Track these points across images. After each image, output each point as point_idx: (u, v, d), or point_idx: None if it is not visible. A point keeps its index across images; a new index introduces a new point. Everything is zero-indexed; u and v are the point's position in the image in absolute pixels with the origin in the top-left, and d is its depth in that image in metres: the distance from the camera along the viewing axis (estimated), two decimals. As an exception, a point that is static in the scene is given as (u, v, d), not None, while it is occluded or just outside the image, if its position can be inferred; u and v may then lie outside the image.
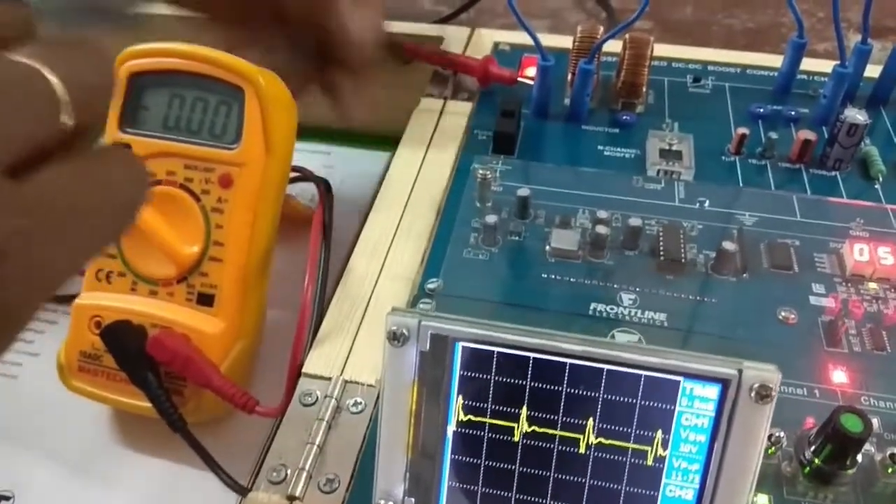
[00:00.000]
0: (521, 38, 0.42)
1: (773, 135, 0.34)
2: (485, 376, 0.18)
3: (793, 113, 0.36)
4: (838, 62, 0.34)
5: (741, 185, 0.33)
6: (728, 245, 0.28)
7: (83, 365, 0.29)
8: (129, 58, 0.30)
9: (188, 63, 0.30)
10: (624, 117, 0.36)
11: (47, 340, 0.37)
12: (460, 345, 0.18)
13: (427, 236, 0.30)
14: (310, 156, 0.47)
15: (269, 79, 0.30)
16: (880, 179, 0.33)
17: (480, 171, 0.31)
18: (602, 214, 0.30)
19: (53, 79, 0.16)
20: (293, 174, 0.35)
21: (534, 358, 0.18)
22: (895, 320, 0.27)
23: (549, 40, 0.41)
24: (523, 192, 0.30)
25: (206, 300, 0.29)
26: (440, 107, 0.38)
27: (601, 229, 0.29)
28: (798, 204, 0.31)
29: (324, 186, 0.34)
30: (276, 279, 0.32)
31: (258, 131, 0.30)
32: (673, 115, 0.37)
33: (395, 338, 0.18)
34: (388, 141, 0.39)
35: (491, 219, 0.29)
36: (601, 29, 0.37)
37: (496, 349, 0.18)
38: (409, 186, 0.33)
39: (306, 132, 0.48)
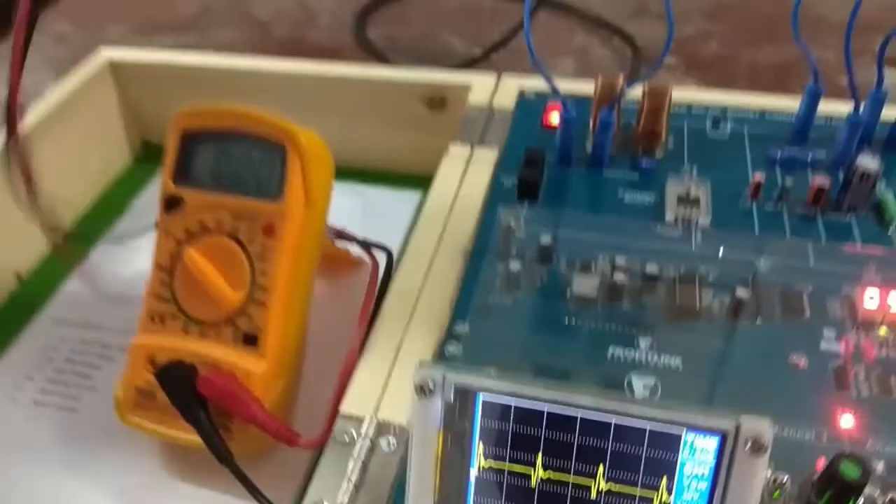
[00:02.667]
0: (543, 83, 0.44)
1: (789, 181, 0.35)
2: (504, 426, 0.20)
3: (810, 157, 0.37)
4: (853, 109, 0.36)
5: (757, 230, 0.34)
6: (742, 292, 0.29)
7: (139, 401, 0.32)
8: (182, 118, 0.33)
9: (235, 122, 0.33)
10: (644, 163, 0.38)
11: (103, 376, 0.39)
12: (481, 397, 0.20)
13: (455, 281, 0.32)
14: (345, 196, 0.50)
15: (309, 136, 0.33)
16: (894, 224, 0.34)
17: (504, 220, 0.33)
18: (620, 261, 0.31)
19: None
20: (354, 237, 0.38)
21: (548, 411, 0.19)
22: (903, 366, 0.28)
23: (575, 86, 0.43)
24: (545, 240, 0.32)
25: (250, 340, 0.32)
26: (468, 154, 0.40)
27: (619, 277, 0.30)
28: (812, 250, 0.33)
29: (386, 255, 0.36)
30: (313, 314, 0.34)
31: (299, 184, 0.32)
32: (692, 160, 0.38)
33: (422, 390, 0.20)
34: (420, 181, 0.40)
35: (514, 266, 0.31)
36: (621, 78, 0.38)
37: (513, 401, 0.20)
38: (438, 232, 0.35)
39: (342, 173, 0.51)
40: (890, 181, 0.36)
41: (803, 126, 0.39)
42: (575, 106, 0.40)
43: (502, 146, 0.40)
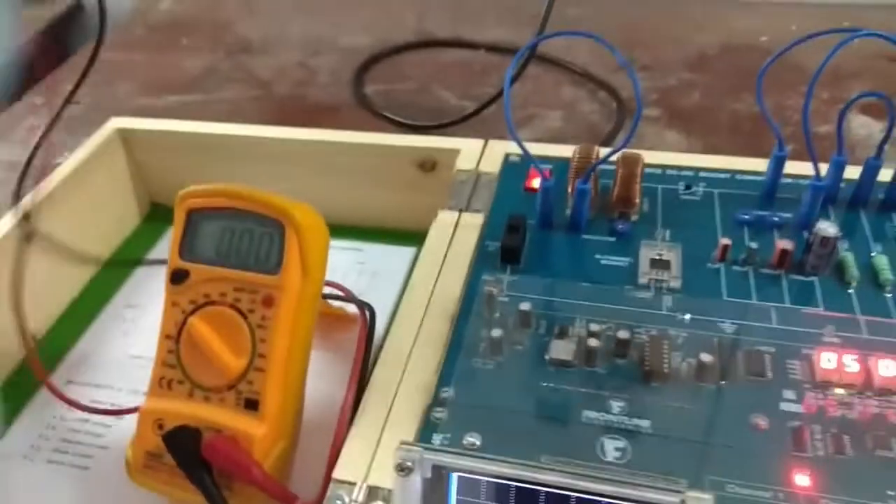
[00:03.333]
0: (531, 148, 0.47)
1: (754, 245, 0.37)
2: (476, 499, 0.22)
3: (776, 219, 0.40)
4: (814, 175, 0.38)
5: (725, 291, 0.36)
6: (705, 357, 0.32)
7: (148, 462, 0.34)
8: (187, 197, 0.36)
9: (235, 202, 0.36)
10: (619, 227, 0.40)
11: (114, 434, 0.42)
12: (454, 475, 0.22)
13: (442, 346, 0.35)
14: (345, 252, 0.53)
15: (304, 212, 0.36)
16: (854, 285, 0.36)
17: (487, 287, 0.35)
18: (594, 327, 0.34)
19: None
20: (339, 296, 0.41)
21: (515, 486, 0.22)
22: (856, 425, 0.30)
23: (555, 150, 0.46)
24: (524, 306, 0.35)
25: (251, 405, 0.34)
26: (455, 219, 0.42)
27: (592, 342, 0.33)
28: (775, 313, 0.35)
29: (367, 310, 0.39)
30: (311, 372, 0.37)
31: (296, 258, 0.35)
32: (665, 223, 0.41)
33: (402, 469, 0.22)
34: (415, 237, 0.43)
35: (496, 332, 0.34)
36: (597, 150, 0.41)
37: (483, 478, 0.22)
38: (426, 298, 0.37)
39: (341, 229, 0.54)
40: (853, 240, 0.39)
41: (771, 188, 0.41)
42: (556, 168, 0.42)
43: (488, 211, 0.43)
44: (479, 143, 0.48)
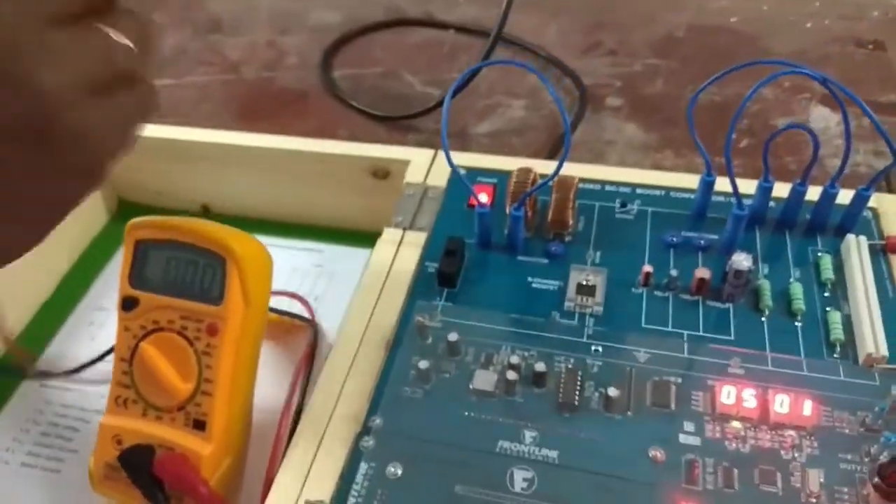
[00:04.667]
0: (480, 160, 0.48)
1: (674, 272, 0.39)
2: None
3: (702, 242, 0.42)
4: (736, 203, 0.40)
5: (644, 317, 0.38)
6: (613, 392, 0.34)
7: (108, 474, 0.38)
8: (135, 228, 0.38)
9: (180, 235, 0.38)
10: (553, 249, 0.42)
11: (82, 437, 0.45)
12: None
13: (376, 374, 0.37)
14: (305, 254, 0.55)
15: (244, 243, 0.38)
16: (767, 314, 0.38)
17: (418, 317, 0.38)
18: (514, 359, 0.36)
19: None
20: (287, 312, 0.43)
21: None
22: (747, 459, 0.32)
23: (502, 163, 0.48)
24: (452, 336, 0.37)
25: (199, 425, 0.37)
26: (399, 237, 0.44)
27: (510, 375, 0.35)
28: (687, 342, 0.37)
29: (313, 331, 0.41)
30: (259, 381, 0.39)
31: (238, 290, 0.37)
32: (598, 244, 0.42)
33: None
34: (371, 238, 0.45)
35: (423, 364, 0.36)
36: (534, 174, 0.43)
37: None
38: (364, 325, 0.39)
39: (301, 231, 0.56)
40: (774, 265, 0.40)
41: (701, 209, 0.43)
42: (502, 183, 0.44)
43: (432, 228, 0.44)
44: (428, 154, 0.49)
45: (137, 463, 0.36)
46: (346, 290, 0.51)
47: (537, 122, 0.66)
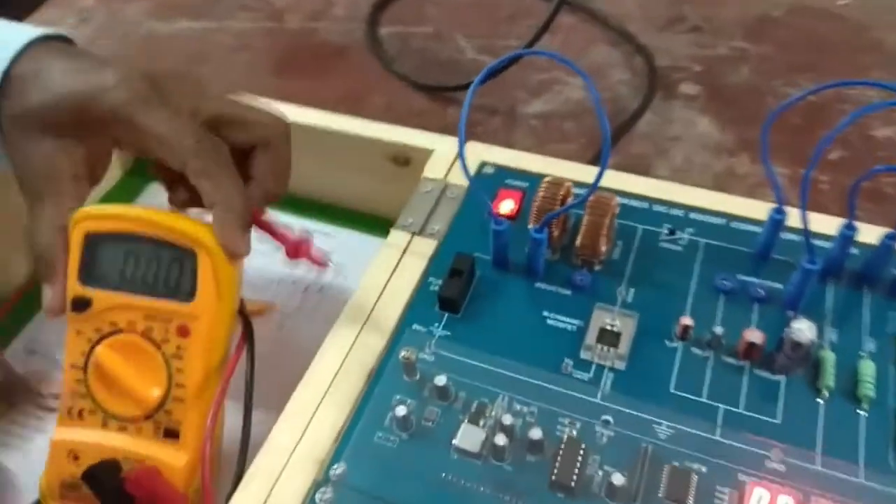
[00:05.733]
0: (511, 157, 0.42)
1: (720, 329, 0.32)
2: None
3: (761, 292, 0.34)
4: (808, 256, 0.32)
5: (674, 379, 0.32)
6: (617, 479, 0.28)
7: (64, 493, 0.34)
8: (83, 219, 0.34)
9: (142, 227, 0.33)
10: (579, 279, 0.36)
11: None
12: None
13: (350, 407, 0.32)
14: (315, 237, 0.50)
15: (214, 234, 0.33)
16: (825, 395, 0.31)
17: (404, 352, 0.32)
18: (507, 419, 0.30)
19: None
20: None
21: None
22: (771, 587, 0.26)
23: (536, 164, 0.41)
24: (440, 380, 0.31)
25: (171, 434, 0.34)
26: (406, 243, 0.38)
27: (499, 440, 0.29)
28: (722, 420, 0.31)
29: (246, 332, 0.36)
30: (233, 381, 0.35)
31: (211, 286, 0.33)
32: (633, 279, 0.36)
33: None
34: (387, 224, 0.40)
35: (401, 409, 0.31)
36: (565, 189, 0.36)
37: None
38: (348, 346, 0.34)
39: (315, 210, 0.51)
40: (844, 331, 0.33)
41: (765, 250, 0.36)
42: (533, 188, 0.38)
43: (443, 237, 0.39)
44: (454, 144, 0.43)
45: (105, 480, 0.33)
46: (352, 283, 0.46)
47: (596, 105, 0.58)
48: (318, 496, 0.30)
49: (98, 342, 0.34)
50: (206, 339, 0.33)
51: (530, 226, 0.36)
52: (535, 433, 0.30)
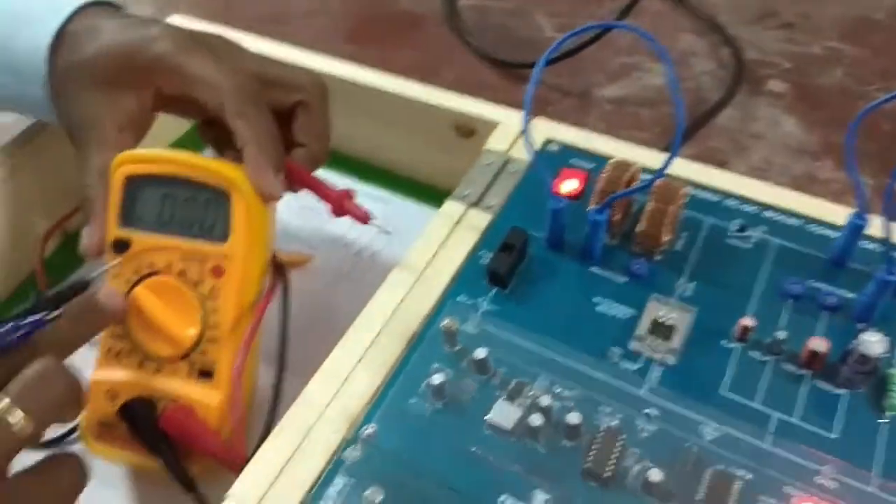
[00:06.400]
0: (579, 137, 0.41)
1: (783, 333, 0.31)
2: None
3: (832, 300, 0.32)
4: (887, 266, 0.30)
5: (728, 381, 0.30)
6: (655, 474, 0.27)
7: (102, 432, 0.35)
8: (124, 162, 0.35)
9: (178, 169, 0.34)
10: (636, 267, 0.34)
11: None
12: None
13: (387, 370, 0.32)
14: (367, 201, 0.49)
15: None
16: (888, 416, 0.29)
17: (447, 321, 0.32)
18: (545, 400, 0.29)
19: (17, 415, 0.26)
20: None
21: None
22: None
23: (606, 146, 0.40)
24: (480, 353, 0.31)
25: (206, 374, 0.34)
26: (460, 214, 0.38)
27: (535, 420, 0.28)
28: (773, 428, 0.29)
29: (280, 277, 0.36)
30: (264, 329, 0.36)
31: (244, 227, 0.34)
32: (694, 273, 0.34)
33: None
34: (444, 197, 0.39)
35: (439, 377, 0.30)
36: (632, 172, 0.34)
37: None
38: (392, 309, 0.34)
39: (371, 173, 0.50)
40: (919, 349, 0.31)
41: (841, 256, 0.33)
42: (598, 165, 0.36)
43: (500, 209, 0.38)
44: (521, 118, 0.42)
45: (140, 416, 0.33)
46: (398, 253, 0.45)
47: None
48: (346, 453, 0.29)
49: (136, 283, 0.34)
50: (239, 280, 0.34)
51: (591, 207, 0.35)
52: (574, 418, 0.28)
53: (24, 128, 0.44)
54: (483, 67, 0.59)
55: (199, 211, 0.34)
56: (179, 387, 0.34)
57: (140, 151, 0.34)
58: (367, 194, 0.50)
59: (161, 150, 0.34)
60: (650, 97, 0.56)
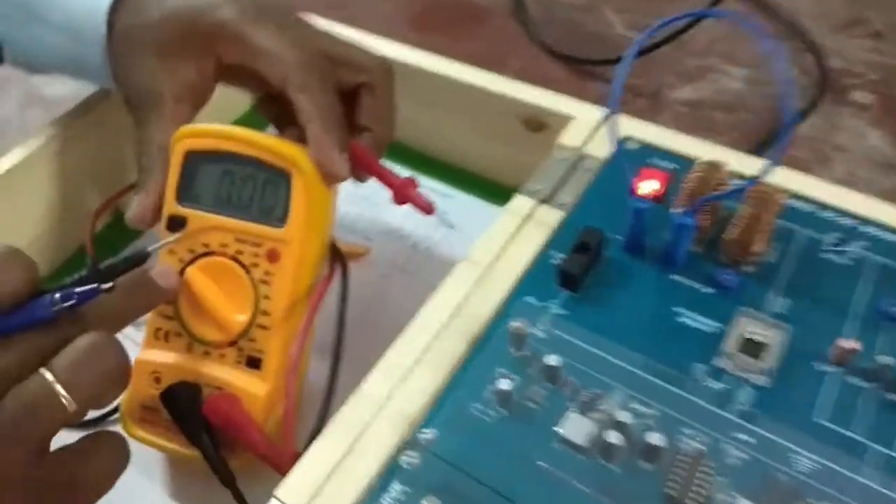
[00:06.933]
0: (660, 135, 0.38)
1: (888, 358, 0.28)
2: None
3: (941, 327, 0.29)
4: None
5: (824, 409, 0.28)
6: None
7: (143, 416, 0.33)
8: (185, 136, 0.33)
9: (240, 146, 0.32)
10: (724, 277, 0.31)
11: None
12: None
13: (447, 373, 0.30)
14: (431, 195, 0.47)
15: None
16: None
17: (516, 323, 0.29)
18: (624, 416, 0.27)
19: (63, 395, 0.24)
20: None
21: None
22: None
23: (690, 147, 0.37)
24: (553, 360, 0.28)
25: (254, 363, 0.32)
26: (530, 210, 0.35)
27: (614, 438, 0.26)
28: (873, 463, 0.26)
29: (340, 262, 0.34)
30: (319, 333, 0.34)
31: (303, 211, 0.32)
32: (789, 288, 0.31)
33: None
34: (509, 194, 0.37)
35: (506, 382, 0.28)
36: (722, 173, 0.32)
37: None
38: (455, 306, 0.32)
39: (433, 167, 0.48)
40: None
41: (953, 278, 0.30)
42: (682, 170, 0.34)
43: (572, 209, 0.35)
44: (597, 113, 0.39)
45: (183, 402, 0.32)
46: (462, 248, 0.43)
47: (755, 101, 0.53)
48: (403, 459, 0.27)
49: (189, 263, 0.32)
50: (295, 266, 0.32)
51: (676, 210, 0.32)
52: (655, 438, 0.26)
53: (79, 101, 0.43)
54: (548, 62, 0.57)
55: (258, 191, 0.32)
56: (226, 374, 0.32)
57: (202, 126, 0.33)
58: (426, 187, 0.48)
59: (223, 125, 0.33)
60: (727, 101, 0.53)
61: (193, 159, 0.33)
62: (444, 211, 0.46)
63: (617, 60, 0.54)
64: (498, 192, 0.46)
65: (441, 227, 0.46)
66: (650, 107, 0.53)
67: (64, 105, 0.43)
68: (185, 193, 0.33)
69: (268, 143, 0.32)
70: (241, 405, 0.31)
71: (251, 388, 0.32)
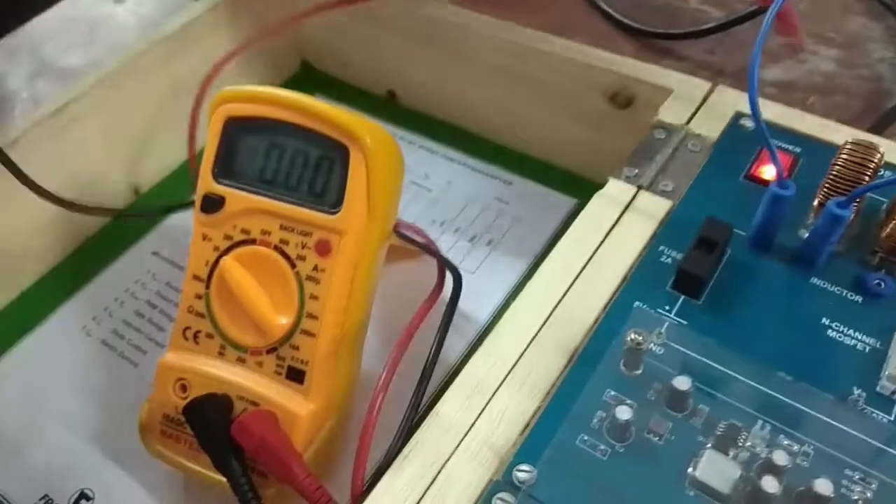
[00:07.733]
0: (779, 112, 0.32)
1: None
2: None
3: None
4: None
5: None
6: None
7: (165, 429, 0.28)
8: (226, 100, 0.27)
9: (289, 114, 0.26)
10: (875, 283, 0.26)
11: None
12: None
13: (544, 393, 0.24)
14: (488, 181, 0.42)
15: (377, 135, 0.26)
16: None
17: (633, 334, 0.24)
18: (779, 457, 0.21)
19: None
20: (418, 242, 0.31)
21: None
22: None
23: (816, 127, 0.31)
24: (682, 383, 0.23)
25: (296, 375, 0.27)
26: (629, 198, 0.30)
27: (769, 485, 0.20)
28: None
29: (455, 276, 0.29)
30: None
31: (362, 195, 0.26)
32: (955, 297, 0.26)
33: None
34: (582, 186, 0.31)
35: (624, 411, 0.22)
36: (879, 156, 0.26)
37: None
38: (546, 313, 0.26)
39: (494, 151, 0.43)
40: None
41: None
42: (809, 153, 0.28)
43: (681, 195, 0.30)
44: (702, 85, 0.34)
45: (209, 419, 0.26)
46: (525, 248, 0.38)
47: (850, 83, 0.47)
48: (494, 501, 0.22)
49: (226, 252, 0.27)
50: (350, 262, 0.26)
51: (817, 199, 0.27)
52: (823, 486, 0.20)
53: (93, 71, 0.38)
54: (617, 35, 0.51)
55: (310, 169, 0.27)
56: (263, 386, 0.27)
57: (246, 89, 0.27)
58: (488, 172, 0.42)
59: (271, 88, 0.27)
60: (819, 84, 0.47)
61: (234, 128, 0.27)
62: (508, 200, 0.41)
63: (698, 34, 0.48)
64: (571, 183, 0.40)
65: (502, 219, 0.40)
66: (735, 87, 0.46)
67: (76, 76, 0.38)
68: (224, 169, 0.27)
69: (324, 110, 0.26)
70: (276, 425, 0.26)
71: (291, 405, 0.26)
